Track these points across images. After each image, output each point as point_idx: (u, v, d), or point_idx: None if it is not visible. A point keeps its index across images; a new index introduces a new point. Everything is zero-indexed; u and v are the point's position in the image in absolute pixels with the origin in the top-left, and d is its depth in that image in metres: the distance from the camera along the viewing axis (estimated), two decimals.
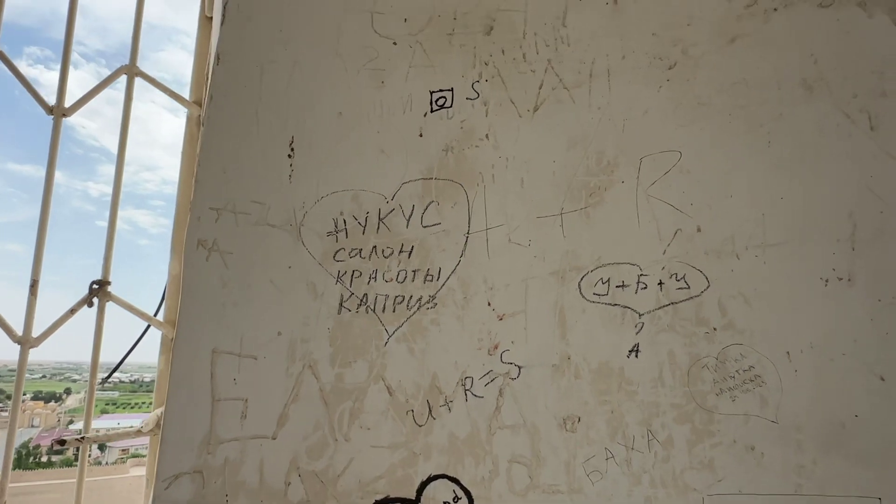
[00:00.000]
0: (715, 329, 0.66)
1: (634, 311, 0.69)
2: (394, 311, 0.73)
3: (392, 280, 0.74)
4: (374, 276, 0.74)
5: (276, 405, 0.70)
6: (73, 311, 0.92)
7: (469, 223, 0.75)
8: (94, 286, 0.99)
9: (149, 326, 1.12)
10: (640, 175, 0.71)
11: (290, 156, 0.76)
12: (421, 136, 0.78)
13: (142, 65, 0.99)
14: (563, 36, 0.78)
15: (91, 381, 1.03)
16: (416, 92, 0.79)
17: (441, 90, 0.79)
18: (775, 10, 0.68)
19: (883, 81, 0.63)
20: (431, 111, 0.79)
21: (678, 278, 0.68)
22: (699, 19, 0.72)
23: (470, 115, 0.78)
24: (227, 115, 0.76)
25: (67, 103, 0.93)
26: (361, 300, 0.74)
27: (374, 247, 0.75)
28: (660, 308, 0.68)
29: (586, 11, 0.77)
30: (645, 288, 0.69)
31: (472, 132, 0.77)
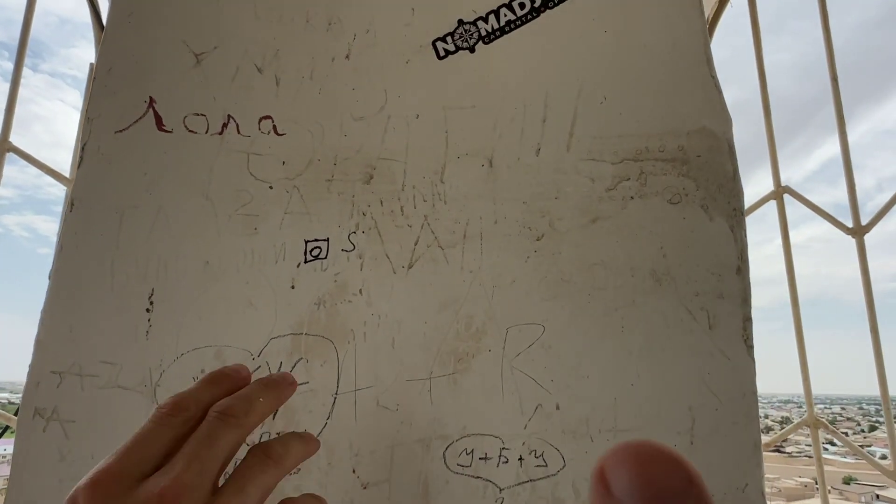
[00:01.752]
0: None
1: (496, 485, 0.69)
2: None
3: (254, 443, 0.71)
4: None
5: None
6: None
7: (338, 383, 0.73)
8: None
9: (7, 427, 1.03)
10: (506, 345, 0.73)
11: (148, 310, 0.72)
12: (293, 287, 0.76)
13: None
14: (441, 192, 0.79)
15: None
16: (290, 240, 0.78)
17: (316, 240, 0.78)
18: (632, 198, 0.71)
19: (720, 283, 0.67)
20: (305, 262, 0.77)
21: (537, 455, 0.69)
22: (566, 194, 0.74)
23: (345, 269, 0.77)
24: (78, 267, 0.71)
25: None
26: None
27: None
28: (519, 484, 0.69)
29: (463, 170, 0.79)
30: (506, 462, 0.70)
31: (345, 286, 0.76)
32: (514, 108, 0.79)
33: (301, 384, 0.73)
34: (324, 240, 0.78)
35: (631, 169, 0.72)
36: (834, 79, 1.48)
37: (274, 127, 0.81)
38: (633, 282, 0.69)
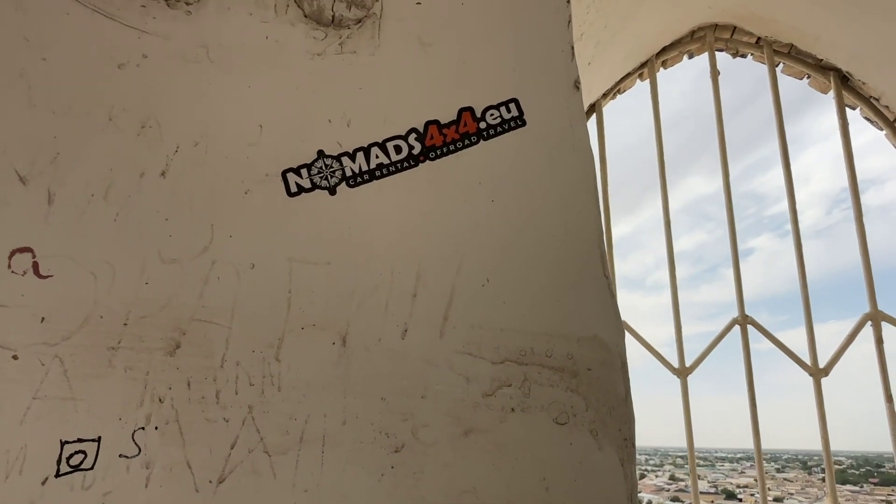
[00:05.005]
0: None
1: None
2: None
3: None
4: None
5: None
6: None
7: None
8: None
9: None
10: None
11: None
12: None
13: None
14: (275, 374, 0.60)
15: None
16: (36, 442, 0.53)
17: (81, 440, 0.54)
18: (513, 410, 0.60)
19: None
20: (58, 475, 0.53)
21: None
22: (436, 393, 0.60)
23: (121, 484, 0.54)
24: None
25: None
26: None
27: None
28: None
29: (308, 347, 0.61)
30: None
31: None
32: (380, 273, 0.64)
33: None
34: (93, 440, 0.54)
35: (513, 373, 0.60)
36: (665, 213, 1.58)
37: (35, 265, 0.57)
38: None
